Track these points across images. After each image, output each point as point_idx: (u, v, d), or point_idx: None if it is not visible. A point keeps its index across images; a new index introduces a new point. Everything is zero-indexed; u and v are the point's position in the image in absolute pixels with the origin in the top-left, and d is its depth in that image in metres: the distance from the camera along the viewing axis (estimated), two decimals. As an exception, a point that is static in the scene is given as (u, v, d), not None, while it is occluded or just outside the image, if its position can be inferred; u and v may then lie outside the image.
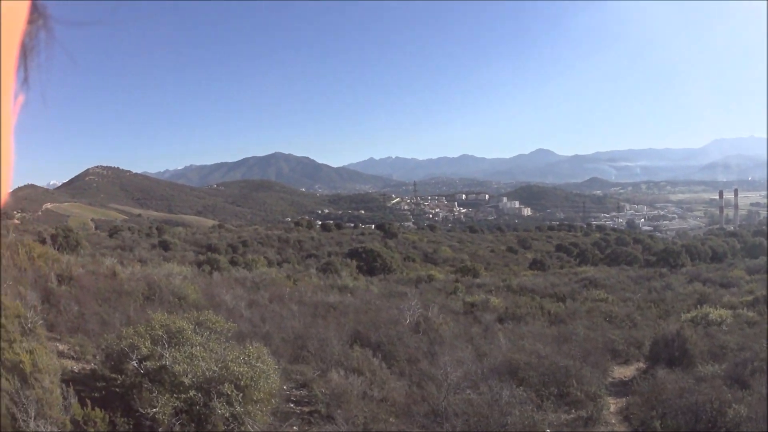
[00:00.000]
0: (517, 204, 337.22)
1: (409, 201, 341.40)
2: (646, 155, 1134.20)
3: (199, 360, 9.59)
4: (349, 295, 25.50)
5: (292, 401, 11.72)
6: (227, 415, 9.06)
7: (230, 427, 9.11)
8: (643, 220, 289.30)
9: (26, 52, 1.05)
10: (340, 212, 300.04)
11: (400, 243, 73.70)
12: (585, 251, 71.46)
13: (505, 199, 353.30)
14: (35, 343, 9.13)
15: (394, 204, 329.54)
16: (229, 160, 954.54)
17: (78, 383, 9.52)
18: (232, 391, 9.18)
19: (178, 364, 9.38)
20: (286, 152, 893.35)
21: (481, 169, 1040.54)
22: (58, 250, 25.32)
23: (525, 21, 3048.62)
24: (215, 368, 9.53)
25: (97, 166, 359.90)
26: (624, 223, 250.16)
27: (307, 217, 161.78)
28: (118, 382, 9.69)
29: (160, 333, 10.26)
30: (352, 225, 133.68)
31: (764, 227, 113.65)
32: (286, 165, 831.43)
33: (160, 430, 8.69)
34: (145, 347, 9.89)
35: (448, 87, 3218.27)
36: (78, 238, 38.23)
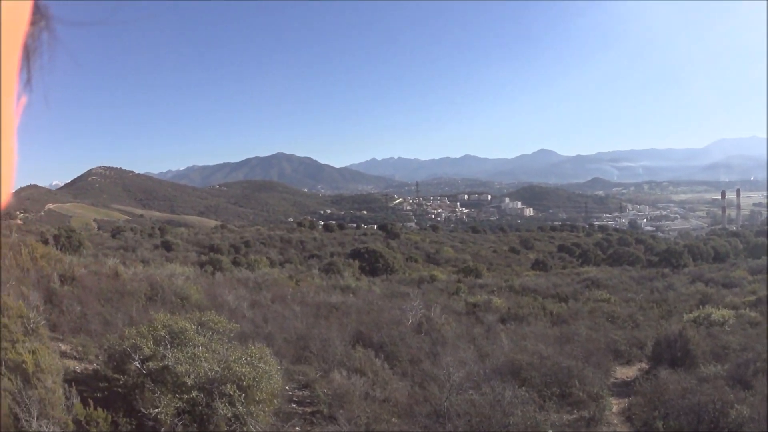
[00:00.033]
0: (519, 204, 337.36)
1: (411, 201, 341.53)
2: (648, 155, 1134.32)
3: (201, 360, 9.59)
4: (351, 295, 25.48)
5: (295, 402, 11.71)
6: (229, 415, 9.07)
7: (232, 428, 9.12)
8: (645, 220, 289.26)
9: (29, 53, 1.05)
10: (342, 213, 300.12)
11: (403, 243, 73.68)
12: (587, 251, 71.39)
13: (507, 199, 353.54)
14: (38, 344, 9.14)
15: (396, 204, 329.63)
16: (232, 161, 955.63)
17: (80, 383, 9.53)
18: (234, 392, 9.18)
19: (181, 365, 9.38)
20: (289, 152, 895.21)
21: (484, 169, 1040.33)
22: (60, 250, 25.32)
23: (527, 22, 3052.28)
24: (218, 369, 9.53)
25: (99, 167, 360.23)
26: (626, 224, 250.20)
27: (309, 218, 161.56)
28: (121, 382, 9.69)
29: (163, 333, 10.26)
30: (355, 225, 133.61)
31: (766, 227, 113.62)
32: (288, 165, 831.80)
33: (162, 430, 8.69)
34: (148, 348, 9.89)
35: (450, 87, 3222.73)
36: (80, 238, 38.29)
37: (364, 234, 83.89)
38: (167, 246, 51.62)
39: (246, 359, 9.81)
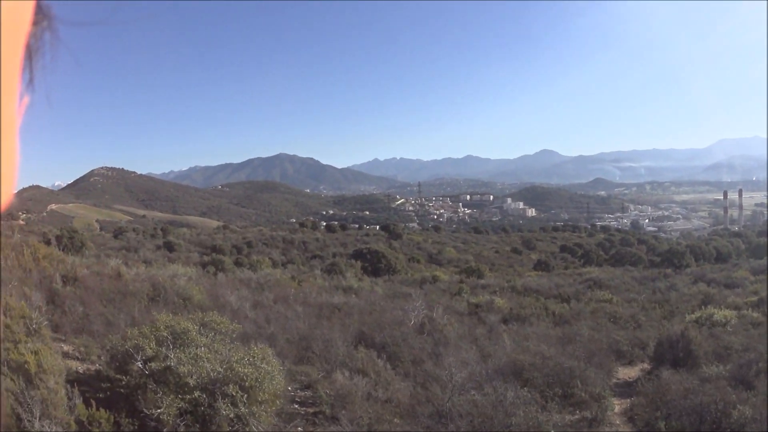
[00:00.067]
0: (521, 205, 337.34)
1: (413, 202, 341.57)
2: (650, 156, 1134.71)
3: (203, 361, 9.59)
4: (353, 296, 25.48)
5: (297, 402, 11.72)
6: (232, 416, 9.07)
7: (235, 428, 9.12)
8: (647, 220, 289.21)
9: (31, 53, 1.05)
10: (344, 213, 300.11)
11: (405, 244, 73.64)
12: (589, 252, 71.31)
13: (509, 199, 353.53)
14: (40, 344, 9.14)
15: (398, 205, 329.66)
16: (234, 161, 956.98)
17: (83, 384, 9.54)
18: (236, 392, 9.18)
19: (183, 365, 9.39)
20: (291, 153, 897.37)
21: (486, 169, 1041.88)
22: (62, 251, 25.34)
23: (528, 22, 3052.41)
24: (220, 369, 9.53)
25: (101, 167, 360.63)
26: (628, 224, 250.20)
27: (311, 218, 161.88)
28: (123, 382, 9.70)
29: (165, 334, 10.27)
30: (357, 226, 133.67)
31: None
32: (290, 166, 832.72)
33: (164, 430, 8.70)
34: (150, 348, 9.89)
35: (452, 88, 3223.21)
36: (83, 239, 38.30)
37: (367, 234, 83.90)
38: (169, 246, 51.59)
39: (248, 360, 9.81)
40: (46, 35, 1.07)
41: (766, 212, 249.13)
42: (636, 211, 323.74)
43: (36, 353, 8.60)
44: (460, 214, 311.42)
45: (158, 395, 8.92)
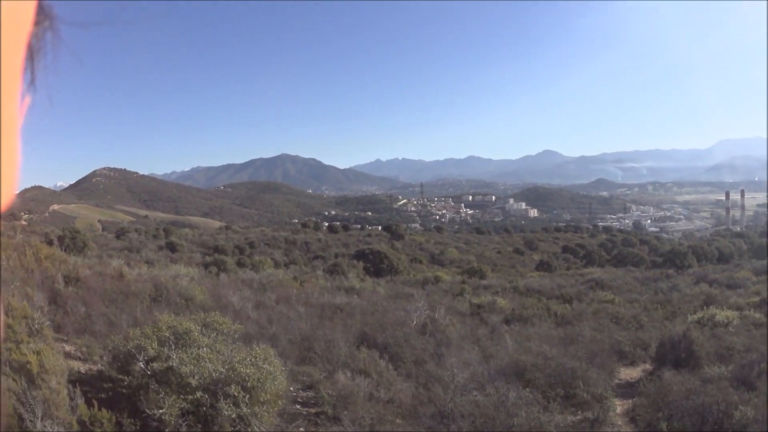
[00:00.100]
0: (523, 205, 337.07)
1: (415, 202, 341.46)
2: (652, 156, 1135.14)
3: (206, 361, 9.60)
4: (355, 296, 25.47)
5: (299, 402, 11.72)
6: (234, 416, 9.07)
7: (237, 429, 9.12)
8: (649, 221, 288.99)
9: (33, 53, 1.05)
10: (346, 214, 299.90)
11: (407, 244, 73.68)
12: (591, 252, 71.29)
13: (511, 200, 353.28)
14: (42, 344, 9.15)
15: (400, 205, 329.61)
16: (236, 162, 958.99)
17: (85, 384, 9.54)
18: (238, 393, 9.18)
19: (185, 366, 9.39)
20: (293, 154, 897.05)
21: (488, 170, 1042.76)
22: (65, 251, 25.35)
23: (530, 22, 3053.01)
24: (222, 369, 9.54)
25: (104, 168, 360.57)
26: (630, 224, 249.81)
27: (313, 219, 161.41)
28: (125, 383, 9.71)
29: (167, 334, 10.27)
30: (359, 226, 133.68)
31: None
32: (292, 166, 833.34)
33: (166, 431, 8.70)
34: (152, 348, 9.90)
35: (454, 88, 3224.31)
36: (85, 239, 38.31)
37: (369, 235, 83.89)
38: (172, 247, 51.61)
39: (250, 360, 9.82)
40: (47, 35, 1.08)
41: (767, 213, 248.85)
42: (638, 212, 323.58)
43: (38, 353, 8.60)
44: (462, 215, 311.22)
45: (160, 395, 8.92)
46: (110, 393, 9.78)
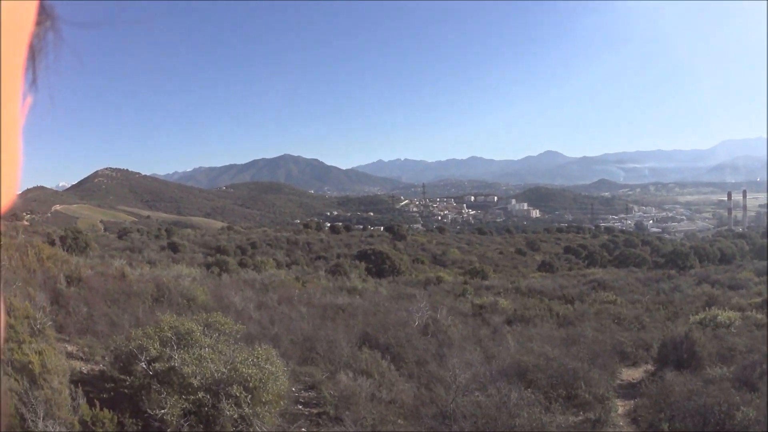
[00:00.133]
0: (525, 206, 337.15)
1: (417, 203, 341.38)
2: (654, 156, 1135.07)
3: (207, 362, 9.60)
4: (357, 297, 25.47)
5: (301, 403, 11.72)
6: (236, 416, 9.07)
7: (238, 429, 9.12)
8: (651, 221, 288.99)
9: (34, 53, 1.05)
10: (348, 214, 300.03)
11: (409, 245, 73.70)
12: (593, 253, 71.30)
13: (513, 200, 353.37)
14: (44, 344, 9.16)
15: (402, 206, 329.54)
16: (238, 162, 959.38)
17: (87, 384, 9.55)
18: (240, 393, 9.18)
19: (187, 366, 9.40)
20: (295, 154, 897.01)
21: (490, 170, 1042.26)
22: (67, 251, 25.38)
23: (532, 22, 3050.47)
24: (224, 370, 9.54)
25: (106, 168, 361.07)
26: (632, 225, 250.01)
27: (316, 219, 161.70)
28: (127, 383, 9.71)
29: (169, 334, 10.28)
30: (361, 227, 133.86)
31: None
32: (295, 167, 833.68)
33: (168, 431, 8.70)
34: (154, 349, 9.90)
35: (456, 89, 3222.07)
36: (87, 239, 38.39)
37: (371, 236, 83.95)
38: (174, 247, 51.64)
39: (252, 360, 9.82)
40: (49, 35, 1.07)
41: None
42: (640, 212, 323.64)
43: (40, 353, 8.61)
44: (464, 215, 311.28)
45: (162, 396, 8.93)
46: (112, 393, 9.78)
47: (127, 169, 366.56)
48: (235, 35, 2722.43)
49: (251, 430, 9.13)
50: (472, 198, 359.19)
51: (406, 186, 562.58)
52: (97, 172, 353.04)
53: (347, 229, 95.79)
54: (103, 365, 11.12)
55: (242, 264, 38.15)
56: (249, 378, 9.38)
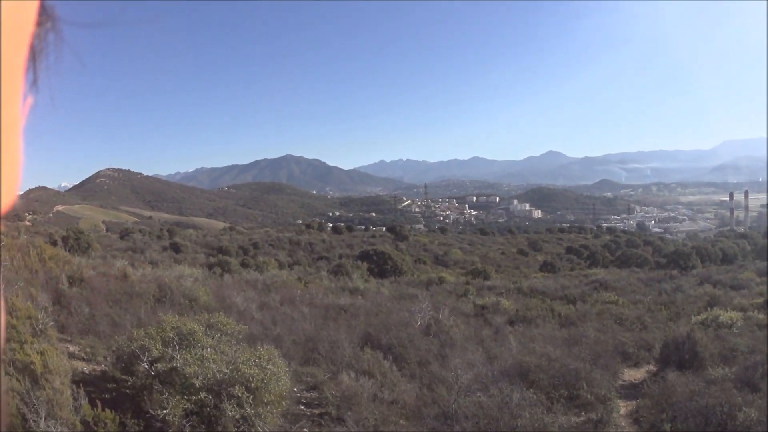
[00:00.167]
0: (527, 206, 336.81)
1: (419, 203, 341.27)
2: (656, 157, 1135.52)
3: (209, 362, 9.60)
4: (359, 297, 25.45)
5: (303, 403, 11.72)
6: (237, 416, 9.07)
7: (240, 429, 9.12)
8: (653, 222, 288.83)
9: (35, 54, 1.05)
10: (350, 215, 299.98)
11: (411, 245, 73.68)
12: (595, 253, 71.30)
13: (515, 201, 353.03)
14: (46, 344, 9.17)
15: (404, 206, 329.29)
16: (240, 163, 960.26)
17: (88, 384, 9.55)
18: (242, 393, 9.18)
19: (189, 366, 9.39)
20: (297, 155, 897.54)
21: (492, 171, 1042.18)
22: (69, 251, 25.40)
23: (534, 23, 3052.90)
24: (226, 370, 9.54)
25: (108, 169, 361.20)
26: (634, 225, 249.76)
27: (318, 220, 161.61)
28: (129, 383, 9.71)
29: (171, 335, 10.28)
30: (363, 227, 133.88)
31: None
32: (297, 167, 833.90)
33: (170, 431, 8.70)
34: (156, 349, 9.91)
35: (458, 89, 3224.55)
36: (89, 239, 38.39)
37: (373, 236, 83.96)
38: (176, 248, 51.65)
39: (254, 361, 9.82)
40: (50, 36, 1.07)
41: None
42: (642, 213, 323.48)
43: (42, 354, 8.62)
44: (466, 216, 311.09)
45: (164, 396, 8.93)
46: (114, 393, 9.79)
47: (129, 170, 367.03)
48: (237, 35, 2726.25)
49: (253, 430, 9.12)
50: (474, 198, 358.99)
51: (408, 186, 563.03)
52: (99, 172, 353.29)
53: (349, 229, 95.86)
54: (105, 365, 11.13)
55: (244, 264, 38.13)
56: (251, 378, 9.38)
